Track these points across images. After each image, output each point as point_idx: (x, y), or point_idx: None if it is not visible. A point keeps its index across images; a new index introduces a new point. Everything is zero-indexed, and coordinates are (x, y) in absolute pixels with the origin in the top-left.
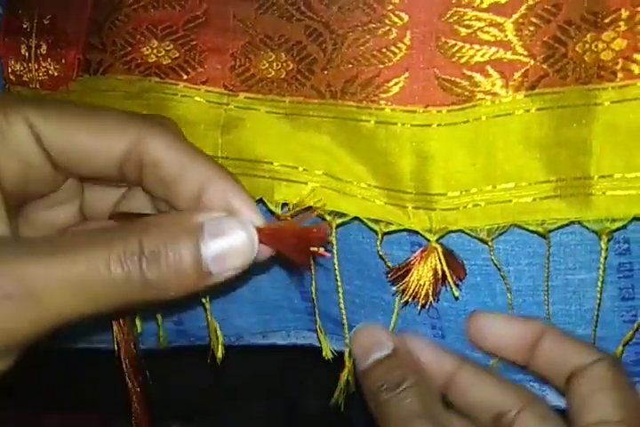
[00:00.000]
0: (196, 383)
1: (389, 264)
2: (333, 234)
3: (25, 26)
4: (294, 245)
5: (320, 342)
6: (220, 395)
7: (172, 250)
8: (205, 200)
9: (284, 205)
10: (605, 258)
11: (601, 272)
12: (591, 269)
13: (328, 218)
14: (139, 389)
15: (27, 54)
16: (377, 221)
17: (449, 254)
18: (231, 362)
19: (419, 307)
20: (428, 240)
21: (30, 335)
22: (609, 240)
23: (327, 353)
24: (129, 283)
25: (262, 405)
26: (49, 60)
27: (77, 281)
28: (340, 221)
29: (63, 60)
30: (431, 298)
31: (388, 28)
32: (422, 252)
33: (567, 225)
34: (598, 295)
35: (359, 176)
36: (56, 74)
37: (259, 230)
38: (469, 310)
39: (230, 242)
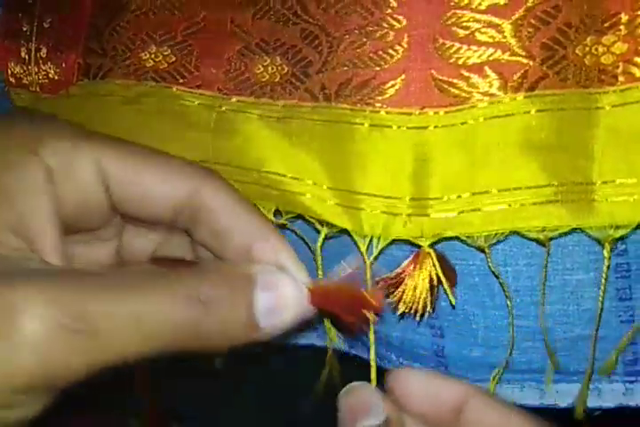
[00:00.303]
0: (196, 382)
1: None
2: (320, 240)
3: (25, 29)
4: (346, 308)
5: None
6: (219, 394)
7: (227, 298)
8: (256, 254)
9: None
10: (608, 267)
11: (603, 280)
12: (589, 269)
13: (318, 227)
14: (148, 390)
15: (27, 57)
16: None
17: (442, 259)
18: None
19: (417, 318)
20: (421, 246)
21: (79, 373)
22: (612, 248)
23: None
24: (186, 327)
25: (261, 404)
26: (49, 63)
27: (144, 322)
28: (328, 230)
29: (63, 64)
30: (429, 307)
31: (385, 31)
32: (415, 258)
33: (568, 233)
34: (601, 299)
35: (352, 184)
36: (56, 77)
37: (311, 289)
38: (468, 310)
39: (281, 297)
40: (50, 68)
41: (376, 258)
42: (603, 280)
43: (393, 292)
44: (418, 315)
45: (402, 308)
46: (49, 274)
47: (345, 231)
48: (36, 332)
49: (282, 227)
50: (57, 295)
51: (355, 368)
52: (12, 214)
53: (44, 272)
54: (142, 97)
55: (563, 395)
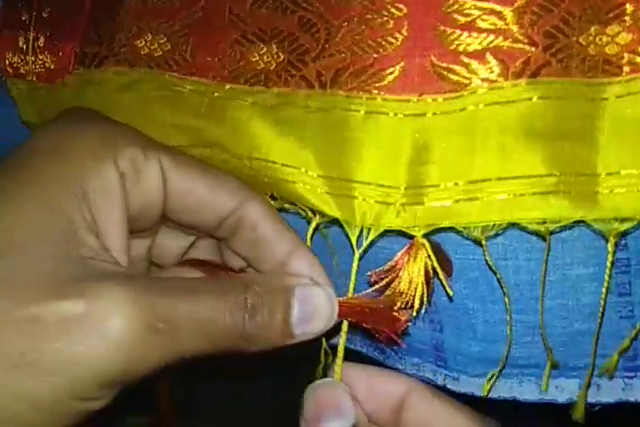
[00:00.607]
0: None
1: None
2: (311, 230)
3: (24, 18)
4: (372, 322)
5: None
6: (215, 392)
7: (269, 307)
8: (292, 267)
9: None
10: (612, 263)
11: (606, 277)
12: (589, 264)
13: (310, 216)
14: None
15: (24, 47)
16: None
17: (437, 249)
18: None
19: (414, 312)
20: (414, 236)
21: (150, 370)
22: (616, 242)
23: None
24: (234, 331)
25: (258, 403)
26: (46, 52)
27: (206, 323)
28: (320, 220)
29: (60, 53)
30: (425, 301)
31: (385, 19)
32: (409, 249)
33: (570, 227)
34: (603, 296)
35: (346, 172)
36: (52, 66)
37: (341, 303)
38: (468, 305)
39: (315, 308)
40: (47, 57)
41: (366, 251)
42: (606, 277)
43: (388, 286)
44: (415, 309)
45: (397, 302)
46: (129, 277)
47: (338, 221)
48: (127, 331)
49: (280, 210)
50: (144, 298)
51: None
52: (89, 214)
53: (123, 275)
54: (135, 84)
55: (562, 390)
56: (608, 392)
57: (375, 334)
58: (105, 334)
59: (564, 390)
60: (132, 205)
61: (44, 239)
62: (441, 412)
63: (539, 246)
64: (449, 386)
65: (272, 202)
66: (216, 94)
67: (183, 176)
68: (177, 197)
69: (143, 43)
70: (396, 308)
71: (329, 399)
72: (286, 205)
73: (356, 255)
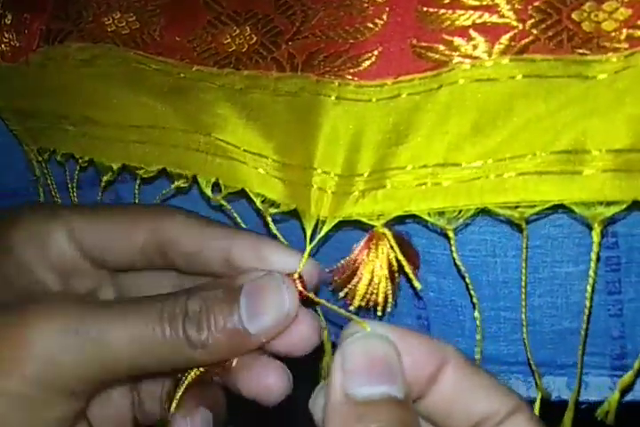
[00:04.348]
0: None
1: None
2: (270, 222)
3: None
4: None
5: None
6: None
7: (214, 311)
8: (233, 260)
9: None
10: (598, 253)
11: (592, 264)
12: (578, 262)
13: (260, 207)
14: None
15: None
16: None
17: (401, 240)
18: None
19: (378, 312)
20: (374, 226)
21: (99, 380)
22: (602, 231)
23: None
24: (176, 342)
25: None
26: (12, 30)
27: (140, 340)
28: (274, 211)
29: (25, 31)
30: (390, 299)
31: (365, 5)
32: (368, 241)
33: (551, 213)
34: (589, 289)
35: (306, 160)
36: (17, 44)
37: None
38: (456, 301)
39: (263, 300)
40: (12, 35)
41: (324, 242)
42: (592, 264)
43: (346, 283)
44: (379, 308)
45: (357, 301)
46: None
47: (293, 215)
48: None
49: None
50: (73, 315)
51: None
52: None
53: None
54: (97, 59)
55: (549, 388)
56: (595, 390)
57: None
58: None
59: (552, 388)
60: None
61: None
62: (478, 387)
63: (528, 244)
64: None
65: (216, 195)
66: (182, 75)
67: (92, 226)
68: (91, 245)
69: (111, 20)
70: (353, 305)
71: (381, 357)
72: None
73: (308, 250)
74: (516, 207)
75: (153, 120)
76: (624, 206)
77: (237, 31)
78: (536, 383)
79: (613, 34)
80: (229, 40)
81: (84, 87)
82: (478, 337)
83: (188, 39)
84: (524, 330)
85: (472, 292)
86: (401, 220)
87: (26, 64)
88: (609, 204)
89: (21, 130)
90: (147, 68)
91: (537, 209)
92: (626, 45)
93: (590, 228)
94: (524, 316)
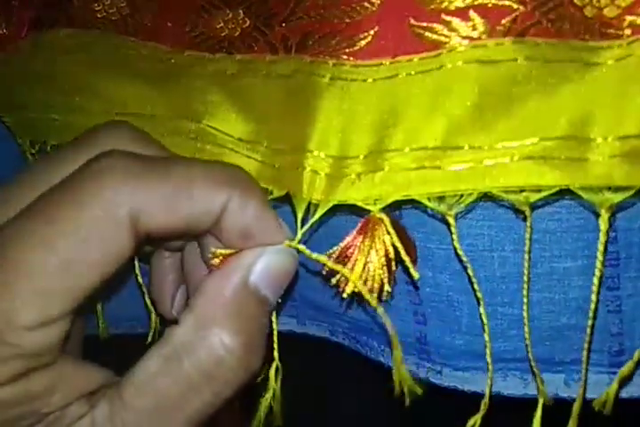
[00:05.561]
0: None
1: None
2: None
3: None
4: None
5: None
6: None
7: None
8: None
9: None
10: (605, 243)
11: (599, 255)
12: (577, 257)
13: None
14: None
15: None
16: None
17: (399, 226)
18: None
19: (372, 302)
20: (370, 211)
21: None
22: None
23: None
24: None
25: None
26: (0, 18)
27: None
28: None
29: (14, 18)
30: (387, 287)
31: None
32: (364, 226)
33: (556, 200)
34: (596, 281)
35: (299, 142)
36: (6, 32)
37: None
38: (453, 297)
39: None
40: (0, 23)
41: (316, 228)
42: (598, 263)
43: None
44: (373, 297)
45: (350, 288)
46: None
47: (288, 198)
48: None
49: None
50: None
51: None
52: None
53: None
54: (86, 45)
55: (547, 385)
56: (593, 387)
57: None
58: None
59: (549, 385)
60: None
61: None
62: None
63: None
64: (432, 379)
65: None
66: (173, 61)
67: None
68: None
69: (101, 6)
70: (346, 292)
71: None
72: None
73: (299, 235)
74: (521, 192)
75: (142, 107)
76: (632, 192)
77: (230, 15)
78: (536, 381)
79: (615, 20)
80: (222, 24)
81: (72, 74)
82: (487, 337)
83: (180, 24)
84: (526, 326)
85: (475, 286)
86: (395, 213)
87: (15, 52)
88: (617, 190)
89: (13, 122)
90: (137, 54)
91: (543, 194)
92: (628, 32)
93: (591, 221)
94: (525, 314)
